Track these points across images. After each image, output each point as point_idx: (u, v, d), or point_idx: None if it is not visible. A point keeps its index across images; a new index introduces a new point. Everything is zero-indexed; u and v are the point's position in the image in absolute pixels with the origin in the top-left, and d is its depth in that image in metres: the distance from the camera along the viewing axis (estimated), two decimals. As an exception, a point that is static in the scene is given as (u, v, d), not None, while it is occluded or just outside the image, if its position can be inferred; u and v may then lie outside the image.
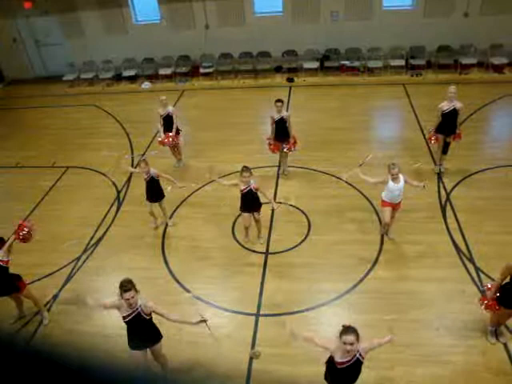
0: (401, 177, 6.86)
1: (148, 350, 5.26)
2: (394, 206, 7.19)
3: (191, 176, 9.65)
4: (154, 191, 7.93)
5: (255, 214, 7.38)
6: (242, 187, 6.97)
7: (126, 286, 4.72)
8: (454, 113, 8.32)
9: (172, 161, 10.10)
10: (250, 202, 7.17)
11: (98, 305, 5.17)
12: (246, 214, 7.37)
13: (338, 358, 4.22)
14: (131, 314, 4.82)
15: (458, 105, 8.28)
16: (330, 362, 4.36)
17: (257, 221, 7.49)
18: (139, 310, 4.83)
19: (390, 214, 7.22)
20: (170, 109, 9.54)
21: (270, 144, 9.10)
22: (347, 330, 4.13)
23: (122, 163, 9.66)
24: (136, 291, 4.79)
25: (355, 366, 4.26)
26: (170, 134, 9.50)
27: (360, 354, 4.21)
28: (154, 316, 5.01)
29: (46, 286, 7.17)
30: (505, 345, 5.64)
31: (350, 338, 4.05)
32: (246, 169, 6.88)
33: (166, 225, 8.34)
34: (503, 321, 5.62)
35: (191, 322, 5.06)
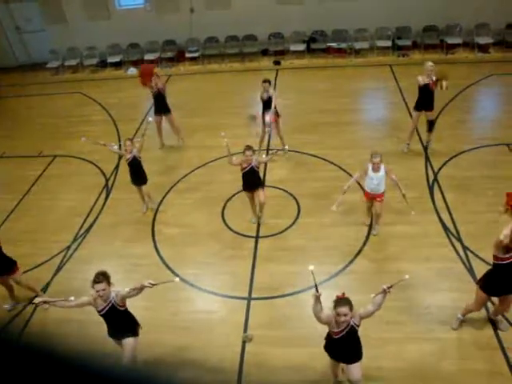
0: (382, 167, 6.65)
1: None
2: (375, 197, 6.99)
3: (180, 162, 9.66)
4: (136, 174, 7.97)
5: (259, 193, 7.37)
6: (244, 165, 7.11)
7: (98, 278, 4.70)
8: (430, 89, 8.17)
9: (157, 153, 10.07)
10: (251, 181, 7.30)
11: (60, 304, 4.89)
12: (248, 194, 7.48)
13: (333, 329, 4.36)
14: (105, 307, 4.81)
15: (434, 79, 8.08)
16: (328, 334, 4.49)
17: (260, 201, 7.51)
18: (113, 302, 4.81)
19: (369, 207, 7.28)
20: (160, 84, 9.53)
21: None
22: (340, 301, 4.24)
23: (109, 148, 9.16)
24: (109, 284, 4.76)
25: (351, 334, 4.35)
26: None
27: (354, 322, 4.31)
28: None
29: (36, 276, 7.15)
30: (494, 324, 5.76)
31: (344, 309, 4.17)
32: (248, 147, 7.09)
33: (156, 211, 8.33)
34: (477, 308, 5.52)
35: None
